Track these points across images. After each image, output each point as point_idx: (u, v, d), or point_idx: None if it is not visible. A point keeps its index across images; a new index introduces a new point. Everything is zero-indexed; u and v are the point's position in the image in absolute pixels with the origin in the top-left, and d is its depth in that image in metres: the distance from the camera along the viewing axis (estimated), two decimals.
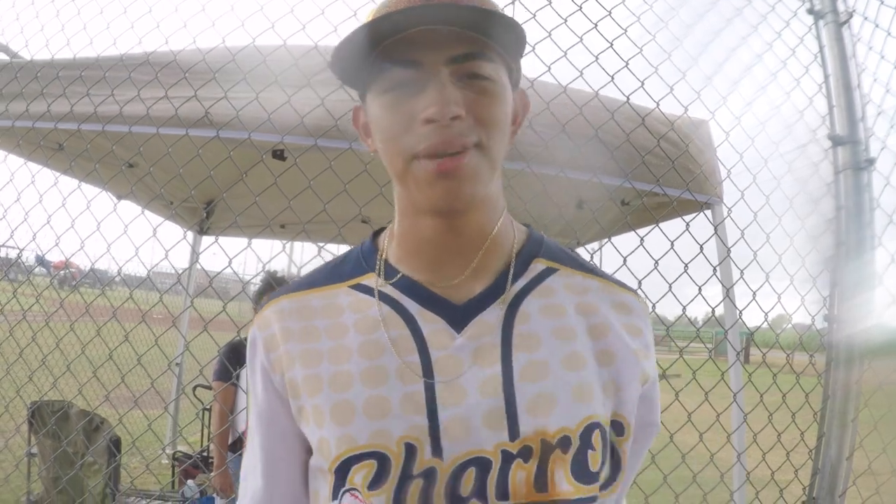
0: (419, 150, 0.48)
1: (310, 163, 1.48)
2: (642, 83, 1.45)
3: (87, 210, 1.64)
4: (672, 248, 1.42)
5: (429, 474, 0.49)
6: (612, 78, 1.43)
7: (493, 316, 0.54)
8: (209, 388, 2.39)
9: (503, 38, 0.50)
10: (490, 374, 0.51)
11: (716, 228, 1.49)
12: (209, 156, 1.58)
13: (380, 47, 0.49)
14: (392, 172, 0.52)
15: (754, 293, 1.51)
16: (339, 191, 1.36)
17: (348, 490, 0.51)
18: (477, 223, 0.54)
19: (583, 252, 2.39)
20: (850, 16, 1.67)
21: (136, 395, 1.61)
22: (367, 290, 0.57)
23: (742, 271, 1.50)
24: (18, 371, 1.81)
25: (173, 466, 2.65)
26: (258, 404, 0.59)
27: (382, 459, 0.50)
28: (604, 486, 0.53)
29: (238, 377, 1.87)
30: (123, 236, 1.58)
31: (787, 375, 1.53)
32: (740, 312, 1.50)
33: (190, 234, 2.85)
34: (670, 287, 1.43)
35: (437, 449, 0.49)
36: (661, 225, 1.51)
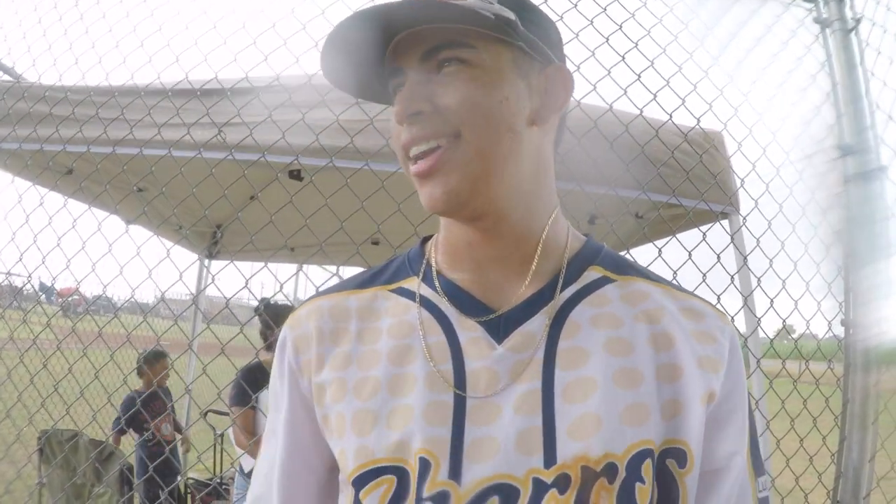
0: (408, 152, 0.47)
1: (323, 183, 1.47)
2: (654, 96, 1.46)
3: (94, 234, 1.63)
4: (690, 258, 1.43)
5: (440, 498, 0.43)
6: (625, 91, 1.44)
7: (537, 326, 0.49)
8: (222, 413, 2.36)
9: (486, 18, 0.44)
10: (528, 391, 0.46)
11: (732, 237, 1.51)
12: (220, 178, 1.58)
13: (387, 62, 0.49)
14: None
15: (772, 300, 1.52)
16: (356, 209, 1.36)
17: None
18: (514, 226, 0.50)
19: None
20: (858, 22, 1.69)
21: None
22: (408, 294, 0.53)
23: (759, 279, 1.50)
24: (27, 399, 1.78)
25: (186, 495, 2.60)
26: (281, 410, 0.55)
27: (402, 476, 0.45)
28: None
29: (257, 400, 1.86)
30: (131, 262, 1.57)
31: (803, 386, 1.53)
32: (759, 319, 1.50)
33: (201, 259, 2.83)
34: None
35: (455, 470, 0.44)
36: (673, 237, 1.51)
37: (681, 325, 0.49)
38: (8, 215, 1.62)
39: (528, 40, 0.48)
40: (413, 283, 0.54)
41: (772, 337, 1.55)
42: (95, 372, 1.63)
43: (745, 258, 1.51)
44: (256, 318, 2.12)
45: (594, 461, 0.44)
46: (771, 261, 1.51)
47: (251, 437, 2.05)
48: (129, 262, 1.56)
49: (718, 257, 1.46)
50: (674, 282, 0.55)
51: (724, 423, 0.49)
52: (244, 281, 1.34)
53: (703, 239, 1.46)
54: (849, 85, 1.69)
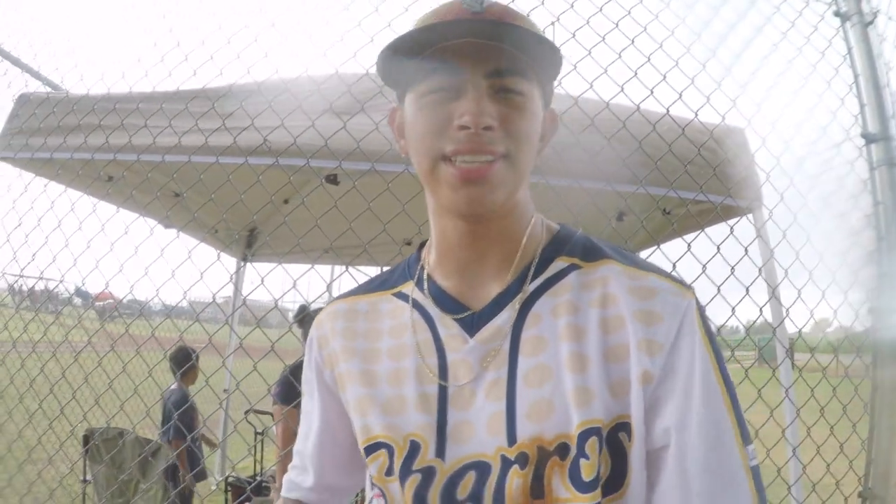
0: (448, 152, 0.50)
1: (361, 187, 1.54)
2: (680, 95, 1.51)
3: (147, 239, 1.72)
4: (718, 251, 1.47)
5: (427, 472, 0.52)
6: (652, 91, 1.49)
7: (504, 319, 0.54)
8: (263, 413, 2.43)
9: (540, 58, 0.52)
10: (496, 378, 0.53)
11: (758, 231, 1.54)
12: (257, 183, 1.65)
13: (427, 52, 0.52)
14: (420, 171, 0.54)
15: (799, 291, 1.56)
16: (398, 212, 1.43)
17: (375, 491, 0.57)
18: (502, 230, 0.56)
19: None
20: (875, 15, 1.71)
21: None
22: (405, 298, 0.61)
23: (786, 270, 1.54)
24: (62, 401, 1.87)
25: (226, 491, 2.69)
26: (314, 395, 0.66)
27: (391, 451, 0.54)
28: (606, 493, 0.49)
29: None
30: (169, 266, 1.65)
31: (833, 378, 1.56)
32: (787, 310, 1.54)
33: (246, 260, 2.88)
34: (719, 289, 1.48)
35: (440, 449, 0.52)
36: (698, 232, 1.56)
37: (629, 306, 0.51)
38: (61, 223, 1.70)
39: (551, 83, 0.57)
40: (409, 288, 0.62)
41: (802, 330, 1.58)
42: (149, 370, 1.72)
43: (772, 250, 1.55)
44: (295, 323, 2.19)
45: (548, 441, 0.49)
46: (797, 252, 1.55)
47: (292, 433, 2.10)
48: (180, 266, 1.64)
49: (746, 250, 1.50)
50: (643, 259, 0.58)
51: (663, 401, 0.50)
52: (292, 282, 1.41)
53: (731, 233, 1.51)
54: (870, 76, 1.71)
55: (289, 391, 2.06)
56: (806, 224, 1.57)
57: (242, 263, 2.87)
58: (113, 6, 1.83)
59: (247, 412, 2.10)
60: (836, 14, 1.70)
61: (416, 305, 0.60)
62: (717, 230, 1.54)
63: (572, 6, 1.52)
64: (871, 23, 1.72)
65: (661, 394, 0.50)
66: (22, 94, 1.94)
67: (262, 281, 1.51)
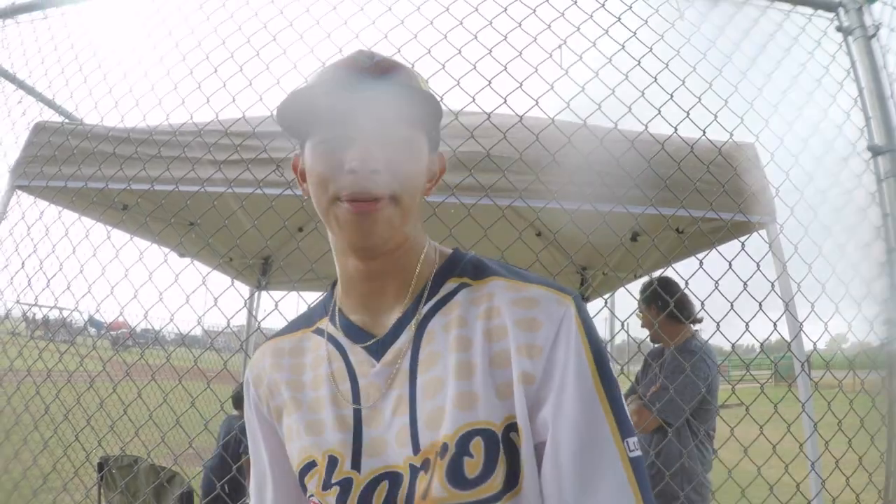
0: (342, 194, 0.55)
1: None
2: (687, 113, 1.52)
3: (160, 265, 1.73)
4: (730, 267, 1.48)
5: (345, 483, 0.57)
6: (659, 111, 1.51)
7: (403, 341, 0.60)
8: None
9: (423, 108, 0.57)
10: (399, 395, 0.58)
11: (770, 245, 1.55)
12: (271, 212, 1.67)
13: (321, 103, 0.57)
14: (319, 211, 0.59)
15: (812, 304, 1.56)
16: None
17: (309, 497, 0.61)
18: (395, 262, 0.61)
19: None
20: (878, 28, 1.74)
21: (203, 454, 1.67)
22: (321, 333, 0.67)
23: (799, 284, 1.55)
24: (77, 428, 1.87)
25: None
26: (256, 435, 0.70)
27: (318, 468, 0.59)
28: (505, 490, 0.52)
29: None
30: (183, 292, 1.67)
31: (848, 394, 1.56)
32: (801, 324, 1.54)
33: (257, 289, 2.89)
34: (731, 305, 1.48)
35: (356, 463, 0.58)
36: (713, 249, 1.57)
37: (512, 315, 0.56)
38: (84, 259, 1.72)
39: (436, 129, 0.63)
40: (324, 323, 0.68)
41: (817, 345, 1.58)
42: (164, 396, 1.72)
43: (784, 264, 1.55)
44: None
45: (440, 445, 0.54)
46: (810, 266, 1.55)
47: None
48: (195, 292, 1.65)
49: (758, 265, 1.51)
50: (529, 273, 0.62)
51: (543, 400, 0.54)
52: (307, 308, 1.42)
53: (742, 248, 1.51)
54: (874, 89, 1.73)
55: None
56: (817, 237, 1.58)
57: (256, 291, 2.88)
58: (128, 35, 1.86)
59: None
60: (839, 29, 1.72)
61: (330, 339, 0.66)
62: (729, 248, 1.54)
63: (578, 29, 1.54)
64: (873, 36, 1.74)
65: (543, 394, 0.54)
66: (37, 123, 1.97)
67: (276, 306, 1.52)
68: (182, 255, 1.94)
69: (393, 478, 0.56)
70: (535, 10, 1.56)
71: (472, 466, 0.52)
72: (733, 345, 1.52)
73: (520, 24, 1.55)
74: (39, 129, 1.94)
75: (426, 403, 0.56)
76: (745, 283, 1.50)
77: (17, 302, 2.00)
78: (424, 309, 0.61)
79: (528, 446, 0.54)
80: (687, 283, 1.46)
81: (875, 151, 1.70)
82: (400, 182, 0.56)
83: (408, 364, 0.59)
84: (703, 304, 1.48)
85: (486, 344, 0.56)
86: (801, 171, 1.60)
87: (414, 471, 0.55)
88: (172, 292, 1.71)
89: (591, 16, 1.53)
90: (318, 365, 0.65)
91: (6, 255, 2.00)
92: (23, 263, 1.98)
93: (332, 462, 0.59)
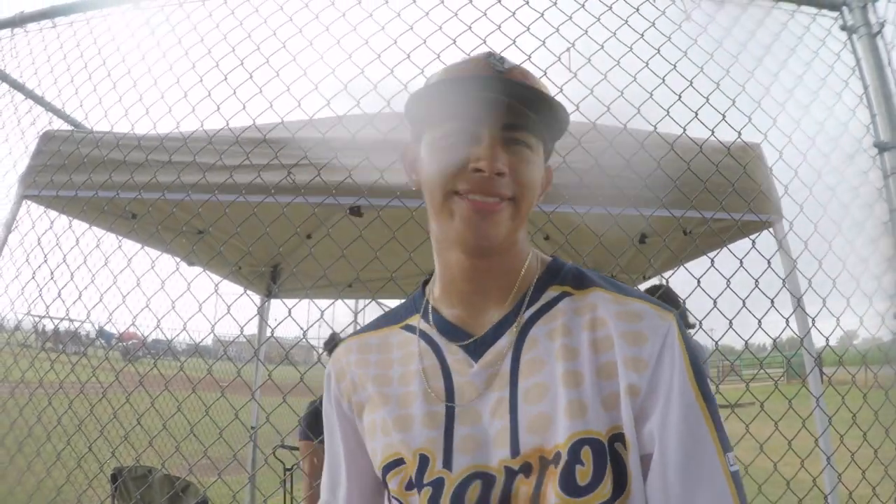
0: (461, 189, 0.56)
1: (385, 217, 1.56)
2: (696, 114, 1.54)
3: (171, 274, 1.74)
4: (741, 265, 1.49)
5: (437, 483, 0.57)
6: (668, 112, 1.52)
7: (503, 344, 0.61)
8: (291, 448, 2.42)
9: (549, 119, 0.59)
10: (499, 398, 0.58)
11: (780, 243, 1.56)
12: (281, 219, 1.67)
13: (453, 99, 0.58)
14: (430, 203, 0.60)
15: (824, 300, 1.57)
16: (423, 240, 1.45)
17: (391, 497, 0.60)
18: (501, 264, 0.62)
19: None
20: (882, 26, 1.75)
21: (218, 464, 1.67)
22: (412, 329, 0.68)
23: (810, 280, 1.56)
24: (90, 439, 1.87)
25: None
26: (334, 429, 0.70)
27: (406, 466, 0.59)
28: (614, 498, 0.53)
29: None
30: (196, 301, 1.67)
31: (861, 388, 1.57)
32: (813, 320, 1.55)
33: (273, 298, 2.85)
34: (744, 303, 1.49)
35: (447, 461, 0.57)
36: (724, 248, 1.58)
37: (617, 328, 0.58)
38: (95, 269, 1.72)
39: (553, 142, 0.65)
40: (415, 320, 0.68)
41: (829, 341, 1.59)
42: (178, 404, 1.73)
43: (795, 260, 1.56)
44: (326, 353, 2.20)
45: (548, 451, 0.55)
46: (820, 262, 1.57)
47: (319, 469, 2.10)
48: (207, 300, 1.66)
49: (769, 262, 1.52)
50: (628, 287, 0.63)
51: (648, 412, 0.55)
52: (319, 314, 1.43)
53: (753, 246, 1.53)
54: (879, 86, 1.75)
55: (314, 426, 2.06)
56: (826, 233, 1.59)
57: (267, 300, 2.88)
58: (136, 44, 1.87)
59: (274, 448, 2.10)
60: (843, 28, 1.74)
61: (423, 335, 0.66)
62: (739, 246, 1.55)
63: (586, 32, 1.55)
64: (878, 33, 1.75)
65: (647, 406, 0.55)
66: (46, 132, 1.96)
67: (290, 312, 1.53)
68: (191, 263, 1.94)
69: (485, 478, 0.56)
70: (542, 13, 1.58)
71: (583, 474, 0.53)
72: (746, 342, 1.53)
73: (528, 28, 1.56)
74: (48, 138, 1.93)
75: (530, 408, 0.56)
76: (756, 281, 1.51)
77: (28, 313, 2.00)
78: (526, 314, 0.62)
79: (635, 456, 0.55)
80: (699, 281, 1.47)
81: (881, 148, 1.71)
82: (521, 187, 0.58)
83: (508, 367, 0.59)
84: (715, 302, 1.49)
85: (593, 355, 0.57)
86: (808, 168, 1.61)
87: (510, 473, 0.55)
88: (182, 302, 1.72)
89: (599, 19, 1.54)
90: (408, 361, 0.65)
91: (16, 265, 2.00)
92: (33, 274, 1.98)
93: (424, 462, 0.58)
